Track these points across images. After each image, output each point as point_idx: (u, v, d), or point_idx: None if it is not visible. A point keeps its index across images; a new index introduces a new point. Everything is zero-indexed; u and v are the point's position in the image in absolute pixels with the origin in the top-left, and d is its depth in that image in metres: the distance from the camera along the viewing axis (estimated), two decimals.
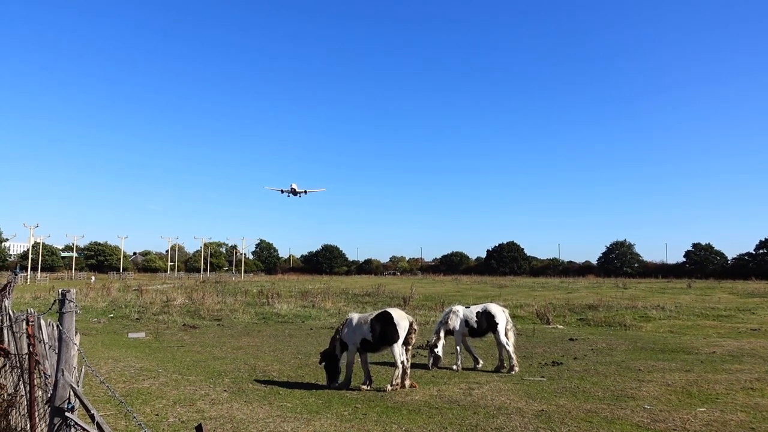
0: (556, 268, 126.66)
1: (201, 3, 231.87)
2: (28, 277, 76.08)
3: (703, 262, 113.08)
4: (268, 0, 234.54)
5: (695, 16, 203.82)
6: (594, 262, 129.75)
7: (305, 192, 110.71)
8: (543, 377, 12.41)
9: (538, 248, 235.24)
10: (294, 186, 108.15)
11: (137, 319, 26.22)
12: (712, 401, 10.04)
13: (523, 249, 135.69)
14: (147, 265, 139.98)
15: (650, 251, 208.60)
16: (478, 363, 13.89)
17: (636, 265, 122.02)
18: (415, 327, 11.39)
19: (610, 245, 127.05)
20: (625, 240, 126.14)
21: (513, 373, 12.93)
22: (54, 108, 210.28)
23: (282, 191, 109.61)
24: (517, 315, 28.02)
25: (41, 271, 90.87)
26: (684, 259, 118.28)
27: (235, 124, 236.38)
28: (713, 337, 20.81)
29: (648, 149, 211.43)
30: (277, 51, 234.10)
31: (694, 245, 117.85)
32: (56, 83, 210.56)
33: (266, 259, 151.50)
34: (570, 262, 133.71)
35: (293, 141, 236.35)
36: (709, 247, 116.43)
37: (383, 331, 11.19)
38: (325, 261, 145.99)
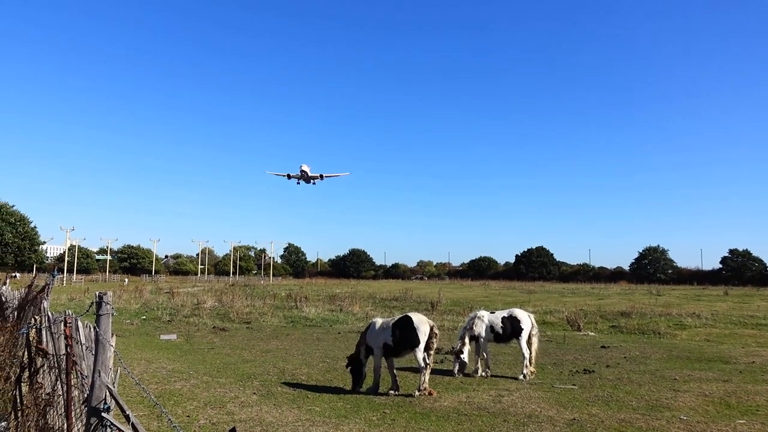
0: (586, 274, 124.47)
1: (214, 11, 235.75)
2: (64, 279, 78.21)
3: (740, 269, 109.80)
4: (281, 6, 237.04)
5: (742, 19, 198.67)
6: (626, 268, 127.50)
7: (321, 177, 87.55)
8: (574, 385, 12.18)
9: (568, 254, 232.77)
10: (305, 169, 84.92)
11: (169, 321, 26.67)
12: (752, 413, 9.69)
13: (552, 254, 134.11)
14: (178, 268, 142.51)
15: (685, 257, 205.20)
16: (478, 371, 13.67)
17: (670, 271, 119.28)
18: (436, 332, 11.33)
19: (643, 251, 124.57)
20: (658, 245, 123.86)
21: (520, 378, 12.94)
22: (90, 115, 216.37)
23: (289, 176, 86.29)
24: (546, 321, 27.62)
25: (76, 273, 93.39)
26: (720, 266, 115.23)
27: (263, 129, 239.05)
28: (752, 346, 20.15)
29: (683, 153, 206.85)
30: (298, 56, 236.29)
31: (731, 251, 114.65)
32: (92, 90, 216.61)
33: (294, 263, 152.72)
34: (601, 268, 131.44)
35: (321, 146, 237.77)
36: (746, 254, 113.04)
37: (403, 335, 11.17)
38: (352, 265, 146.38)
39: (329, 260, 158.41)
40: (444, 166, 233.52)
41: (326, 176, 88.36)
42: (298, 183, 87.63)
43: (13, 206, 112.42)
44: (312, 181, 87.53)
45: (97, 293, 4.90)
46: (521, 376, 13.05)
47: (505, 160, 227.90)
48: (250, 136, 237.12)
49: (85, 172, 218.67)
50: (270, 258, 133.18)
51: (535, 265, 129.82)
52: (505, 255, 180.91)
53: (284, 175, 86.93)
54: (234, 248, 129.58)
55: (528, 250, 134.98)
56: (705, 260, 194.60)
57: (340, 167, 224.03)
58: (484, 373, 13.46)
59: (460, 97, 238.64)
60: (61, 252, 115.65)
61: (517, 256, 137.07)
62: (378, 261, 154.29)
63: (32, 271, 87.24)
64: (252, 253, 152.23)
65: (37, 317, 8.17)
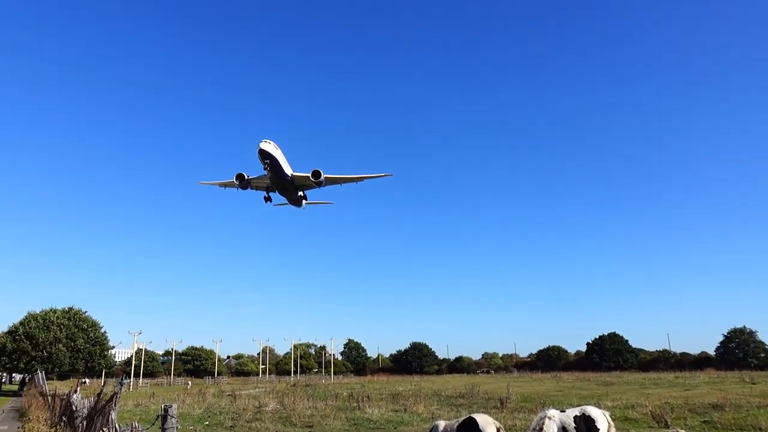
0: (667, 361, 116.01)
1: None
2: (131, 383, 79.52)
3: None
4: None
5: None
6: (711, 352, 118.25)
7: (318, 182, 42.00)
8: None
9: (644, 339, 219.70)
10: (267, 149, 38.87)
11: (231, 426, 26.21)
12: None
13: (627, 341, 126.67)
14: (239, 368, 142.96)
15: None
16: None
17: (762, 355, 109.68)
18: None
19: (728, 333, 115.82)
20: (744, 326, 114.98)
21: None
22: (156, 225, 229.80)
23: (243, 183, 43.11)
24: (629, 417, 25.47)
25: (142, 377, 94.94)
26: None
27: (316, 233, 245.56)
28: None
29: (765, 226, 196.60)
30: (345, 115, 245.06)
31: None
32: (151, 201, 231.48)
33: (355, 359, 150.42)
34: (683, 354, 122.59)
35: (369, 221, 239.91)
36: None
37: None
38: (414, 360, 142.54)
39: (390, 355, 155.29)
40: (507, 254, 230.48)
41: (330, 178, 42.87)
42: (268, 200, 45.02)
43: (86, 312, 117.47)
44: (300, 193, 44.30)
45: (162, 406, 4.81)
46: None
47: (573, 243, 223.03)
48: (305, 235, 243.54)
49: (151, 279, 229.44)
50: (330, 355, 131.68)
51: (609, 354, 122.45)
52: (575, 343, 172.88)
53: (232, 183, 43.79)
54: (294, 346, 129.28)
55: (600, 336, 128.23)
56: None
57: (385, 245, 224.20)
58: None
59: (525, 179, 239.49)
60: (129, 356, 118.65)
61: (588, 344, 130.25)
62: (441, 354, 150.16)
63: (101, 376, 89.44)
64: (312, 350, 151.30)
65: (105, 429, 8.10)
